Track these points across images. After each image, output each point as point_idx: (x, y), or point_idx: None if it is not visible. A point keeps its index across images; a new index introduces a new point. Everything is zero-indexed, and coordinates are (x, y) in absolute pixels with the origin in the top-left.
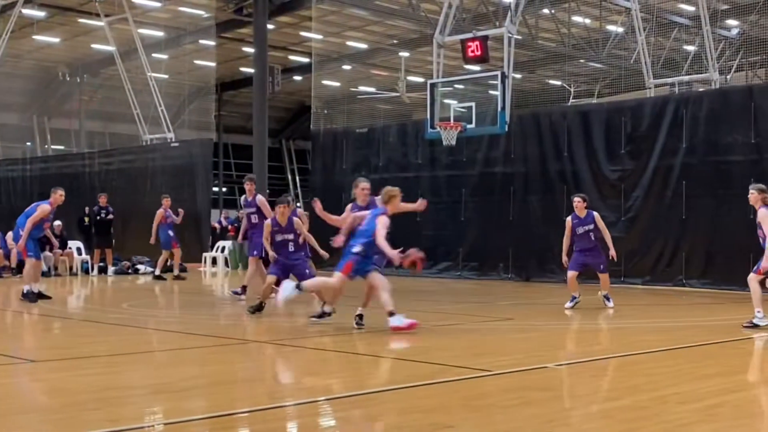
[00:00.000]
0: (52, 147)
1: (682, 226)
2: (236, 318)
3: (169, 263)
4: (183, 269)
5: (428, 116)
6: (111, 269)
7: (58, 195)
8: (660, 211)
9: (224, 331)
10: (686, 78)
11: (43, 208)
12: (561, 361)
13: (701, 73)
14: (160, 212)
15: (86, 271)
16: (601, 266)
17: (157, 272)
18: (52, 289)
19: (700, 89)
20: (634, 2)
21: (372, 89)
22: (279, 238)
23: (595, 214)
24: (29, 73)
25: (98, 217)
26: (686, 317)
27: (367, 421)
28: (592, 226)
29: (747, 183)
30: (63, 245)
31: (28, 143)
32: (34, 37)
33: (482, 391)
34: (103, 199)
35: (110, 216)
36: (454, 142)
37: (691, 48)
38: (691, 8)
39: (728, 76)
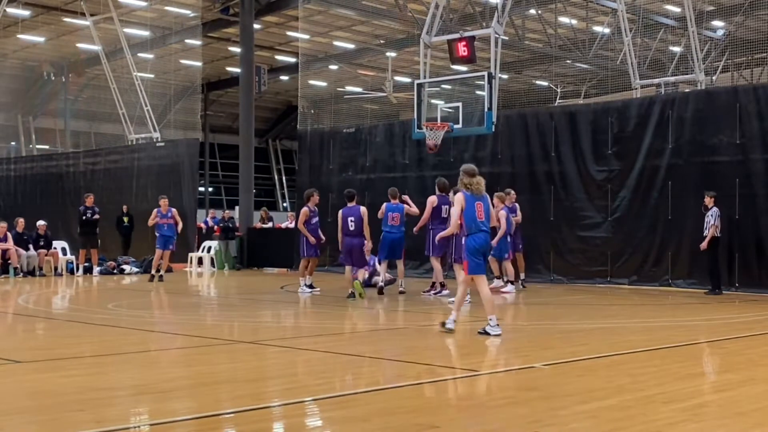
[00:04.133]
0: (37, 147)
1: (668, 226)
2: (222, 318)
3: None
4: (169, 269)
5: (415, 116)
6: (96, 269)
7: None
8: (646, 212)
9: (210, 331)
10: (672, 79)
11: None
12: (547, 360)
13: (687, 74)
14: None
15: (71, 271)
16: None
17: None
18: (37, 289)
19: (686, 90)
20: (621, 3)
21: (359, 89)
22: None
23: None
24: (14, 72)
25: (84, 217)
26: (672, 317)
27: (353, 421)
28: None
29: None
30: (48, 245)
31: (13, 143)
32: (19, 36)
33: (469, 391)
34: (89, 200)
35: (96, 216)
36: (439, 142)
37: (677, 49)
38: (677, 9)
39: (714, 77)
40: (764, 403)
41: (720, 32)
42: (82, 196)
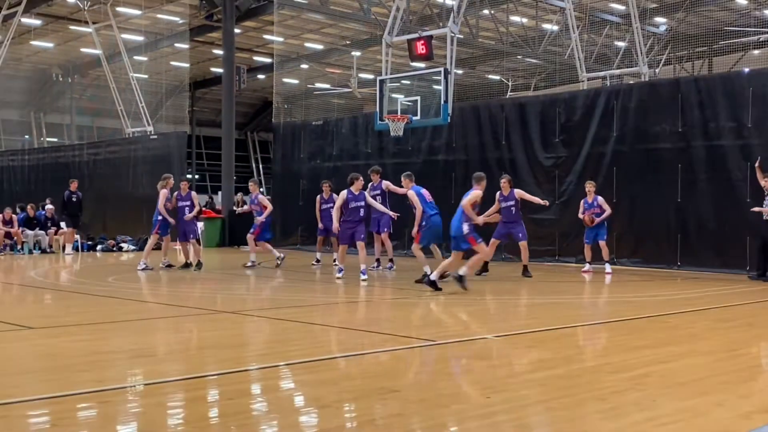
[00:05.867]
0: (47, 139)
1: (613, 208)
2: (208, 291)
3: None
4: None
5: (377, 109)
6: (69, 248)
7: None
8: None
9: (197, 302)
10: (617, 72)
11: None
12: (499, 332)
13: (631, 67)
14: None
15: (76, 249)
16: (520, 235)
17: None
18: (47, 264)
19: (631, 82)
20: (568, 2)
21: (327, 86)
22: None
23: (517, 190)
24: (27, 74)
25: (69, 200)
26: (617, 293)
27: (322, 384)
28: (513, 202)
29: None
30: (55, 226)
31: (27, 136)
32: (32, 42)
33: (426, 359)
34: (74, 185)
35: (75, 199)
36: (401, 133)
37: (621, 44)
38: (621, 7)
39: (657, 70)
40: (703, 374)
41: (662, 28)
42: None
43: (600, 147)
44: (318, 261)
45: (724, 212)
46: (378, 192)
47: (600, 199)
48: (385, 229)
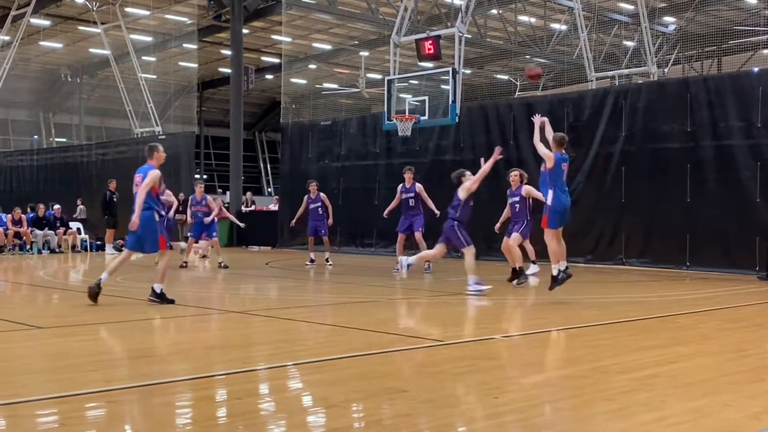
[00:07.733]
0: (56, 140)
1: (621, 208)
2: (214, 291)
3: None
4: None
5: (385, 109)
6: (109, 246)
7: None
8: (601, 195)
9: (204, 302)
10: (626, 71)
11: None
12: (507, 332)
13: (640, 67)
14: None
15: (85, 249)
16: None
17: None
18: (56, 263)
19: (639, 81)
20: (577, 1)
21: (335, 86)
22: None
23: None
24: (36, 74)
25: (110, 200)
26: (625, 293)
27: (330, 384)
28: (518, 198)
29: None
30: (63, 226)
31: (35, 136)
32: (41, 43)
33: (434, 359)
34: (113, 185)
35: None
36: (409, 133)
37: (630, 43)
38: (630, 6)
39: (666, 69)
40: (712, 375)
41: (671, 27)
42: (106, 182)
43: (608, 147)
44: (312, 261)
45: (733, 212)
46: (411, 195)
47: (525, 189)
48: (420, 229)
